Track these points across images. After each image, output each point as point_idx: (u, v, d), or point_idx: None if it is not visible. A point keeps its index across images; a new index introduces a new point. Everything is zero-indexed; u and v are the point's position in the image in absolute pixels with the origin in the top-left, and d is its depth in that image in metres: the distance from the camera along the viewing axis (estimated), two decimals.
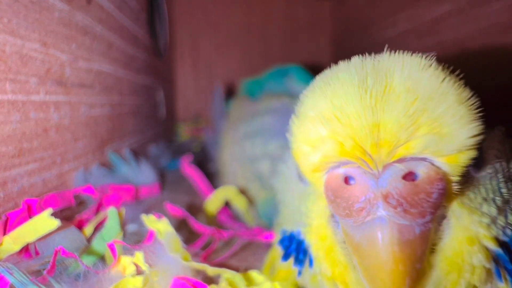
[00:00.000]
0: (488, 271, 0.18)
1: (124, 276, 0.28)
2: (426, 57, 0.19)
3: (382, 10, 0.90)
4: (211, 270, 0.28)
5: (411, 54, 0.19)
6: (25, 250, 0.31)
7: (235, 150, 0.52)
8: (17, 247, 0.30)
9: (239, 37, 1.36)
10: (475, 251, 0.18)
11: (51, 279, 0.26)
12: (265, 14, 1.36)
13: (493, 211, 0.19)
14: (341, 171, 0.18)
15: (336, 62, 0.23)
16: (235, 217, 0.49)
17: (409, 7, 0.77)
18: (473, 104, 0.18)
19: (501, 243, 0.18)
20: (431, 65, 0.18)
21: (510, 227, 0.19)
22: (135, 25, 0.75)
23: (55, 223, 0.30)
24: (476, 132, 0.17)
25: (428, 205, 0.16)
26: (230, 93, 1.09)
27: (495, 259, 0.18)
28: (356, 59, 0.20)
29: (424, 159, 0.17)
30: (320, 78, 0.21)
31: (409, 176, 0.17)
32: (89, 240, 0.36)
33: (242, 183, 0.49)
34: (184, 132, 1.25)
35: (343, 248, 0.20)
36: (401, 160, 0.17)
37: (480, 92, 0.19)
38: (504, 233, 0.18)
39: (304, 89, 0.60)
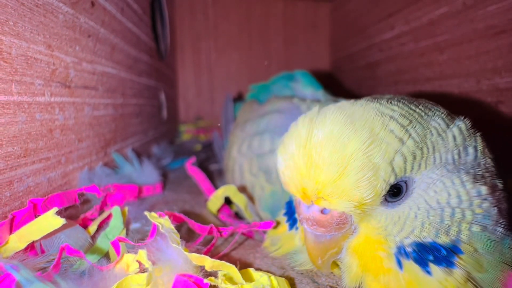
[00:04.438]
0: (389, 259, 0.28)
1: (127, 273, 0.29)
2: (355, 125, 0.26)
3: (380, 13, 0.91)
4: (210, 262, 0.28)
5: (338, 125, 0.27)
6: (31, 248, 0.32)
7: (243, 147, 0.54)
8: (22, 245, 0.30)
9: (239, 40, 1.36)
10: (372, 247, 0.28)
11: (57, 276, 0.27)
12: (265, 17, 1.37)
13: (395, 230, 0.28)
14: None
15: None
16: (235, 215, 0.50)
17: (406, 10, 0.78)
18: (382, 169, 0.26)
19: (399, 246, 0.28)
20: (350, 141, 0.26)
21: (411, 238, 0.28)
22: (138, 27, 0.75)
23: (61, 221, 0.30)
24: (369, 195, 0.26)
25: (331, 227, 0.28)
26: (236, 97, 1.10)
27: (397, 254, 0.28)
28: (301, 124, 0.29)
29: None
30: (290, 128, 0.30)
31: (326, 209, 0.28)
32: (93, 238, 0.36)
33: (249, 178, 0.50)
34: (185, 133, 1.26)
35: None
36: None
37: None
38: (402, 242, 0.28)
39: (310, 92, 0.63)
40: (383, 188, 0.26)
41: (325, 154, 0.26)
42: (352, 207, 0.26)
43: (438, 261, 0.27)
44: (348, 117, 0.27)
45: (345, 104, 0.29)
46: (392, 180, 0.26)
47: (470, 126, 0.30)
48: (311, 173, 0.27)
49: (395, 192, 0.27)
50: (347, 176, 0.25)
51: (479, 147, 0.30)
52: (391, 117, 0.27)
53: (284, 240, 0.36)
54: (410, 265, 0.27)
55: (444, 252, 0.27)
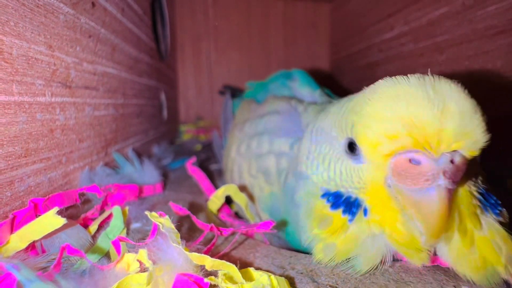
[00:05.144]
0: (480, 208, 0.30)
1: (128, 273, 0.29)
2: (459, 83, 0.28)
3: (380, 13, 0.91)
4: (210, 261, 0.29)
5: (452, 81, 0.28)
6: (32, 247, 0.32)
7: (242, 148, 0.54)
8: (23, 245, 0.30)
9: (239, 41, 1.36)
10: (466, 195, 0.30)
11: (57, 275, 0.27)
12: (265, 17, 1.37)
13: (473, 180, 0.31)
14: (408, 155, 0.28)
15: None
16: (236, 215, 0.50)
17: (406, 10, 0.78)
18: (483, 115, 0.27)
19: (481, 193, 0.31)
20: (464, 90, 0.28)
21: (486, 186, 0.32)
22: (139, 28, 0.76)
23: (61, 221, 0.31)
24: (487, 138, 0.27)
25: (459, 177, 0.27)
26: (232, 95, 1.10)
27: (482, 201, 0.30)
28: (414, 78, 0.29)
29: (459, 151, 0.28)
30: (385, 87, 0.30)
31: (452, 160, 0.27)
32: (94, 238, 0.36)
33: (248, 179, 0.50)
34: (185, 133, 1.26)
35: (395, 201, 0.30)
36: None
37: None
38: (481, 188, 0.31)
39: (307, 91, 0.63)
40: None
41: (462, 100, 0.27)
42: (481, 145, 0.28)
43: (493, 207, 0.31)
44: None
45: None
46: None
47: None
48: (460, 114, 0.27)
49: None
50: (480, 118, 0.27)
51: None
52: None
53: (342, 242, 0.32)
54: (488, 211, 0.31)
55: (493, 197, 0.31)
